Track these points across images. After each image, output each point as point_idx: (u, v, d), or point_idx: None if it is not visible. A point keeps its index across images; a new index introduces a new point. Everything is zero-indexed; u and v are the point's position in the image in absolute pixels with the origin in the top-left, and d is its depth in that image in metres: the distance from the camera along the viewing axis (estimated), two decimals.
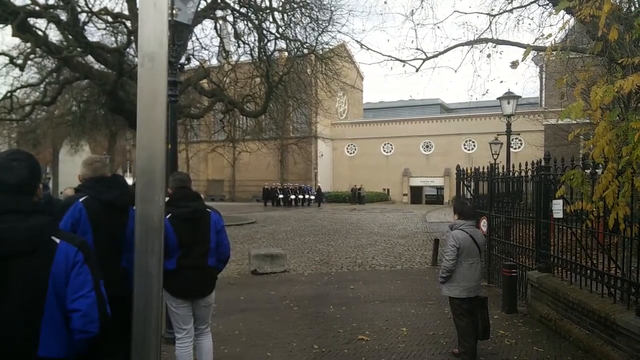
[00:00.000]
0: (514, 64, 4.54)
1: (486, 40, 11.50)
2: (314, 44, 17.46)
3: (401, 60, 12.36)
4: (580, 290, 5.11)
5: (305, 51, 18.06)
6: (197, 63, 18.14)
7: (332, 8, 17.06)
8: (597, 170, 4.58)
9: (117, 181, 3.01)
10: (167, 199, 3.41)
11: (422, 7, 27.50)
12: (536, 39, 10.32)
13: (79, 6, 14.99)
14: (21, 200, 1.80)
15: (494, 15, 11.40)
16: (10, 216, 1.75)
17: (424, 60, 12.29)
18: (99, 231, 2.78)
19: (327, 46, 18.27)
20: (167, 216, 3.42)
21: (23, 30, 14.01)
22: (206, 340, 3.76)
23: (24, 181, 1.83)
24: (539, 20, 33.33)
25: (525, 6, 11.11)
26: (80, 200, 2.81)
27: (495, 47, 11.75)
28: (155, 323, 1.67)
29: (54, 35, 17.48)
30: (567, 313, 5.22)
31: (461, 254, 4.43)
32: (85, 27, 15.59)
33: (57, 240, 1.81)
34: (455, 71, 20.52)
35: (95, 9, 15.65)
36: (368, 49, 13.10)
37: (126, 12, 15.87)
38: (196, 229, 3.55)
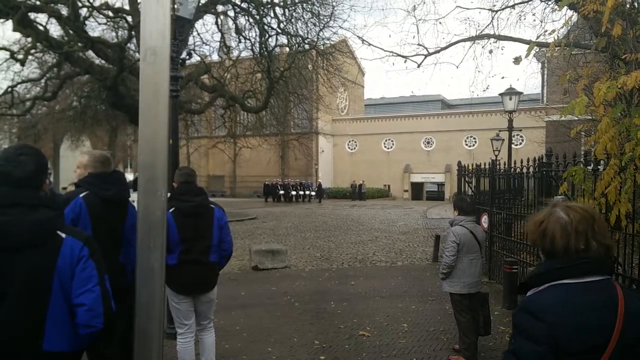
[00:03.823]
0: (517, 60, 4.52)
1: (488, 36, 11.44)
2: (315, 40, 17.36)
3: (403, 56, 12.30)
4: None
5: (307, 47, 17.98)
6: (198, 58, 18.06)
7: (334, 3, 16.94)
8: (599, 166, 4.57)
9: (117, 177, 3.01)
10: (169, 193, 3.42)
11: (424, 3, 27.31)
12: (539, 35, 10.29)
13: (80, 1, 14.94)
14: (28, 194, 1.80)
15: (496, 11, 11.32)
16: (17, 209, 1.75)
17: (426, 56, 12.24)
18: (98, 227, 2.78)
19: (328, 42, 18.17)
20: (170, 210, 3.41)
21: (24, 25, 13.98)
22: (209, 336, 3.76)
23: (32, 175, 1.83)
24: (541, 15, 33.14)
25: (528, 1, 11.04)
26: (81, 195, 2.81)
27: (497, 42, 11.70)
28: (157, 318, 1.67)
29: (55, 30, 17.46)
30: None
31: (461, 249, 4.43)
32: (86, 22, 15.55)
33: (63, 235, 1.81)
34: (457, 67, 20.44)
35: (96, 3, 15.62)
36: (369, 44, 13.15)
37: (127, 7, 15.81)
38: (199, 224, 3.54)
